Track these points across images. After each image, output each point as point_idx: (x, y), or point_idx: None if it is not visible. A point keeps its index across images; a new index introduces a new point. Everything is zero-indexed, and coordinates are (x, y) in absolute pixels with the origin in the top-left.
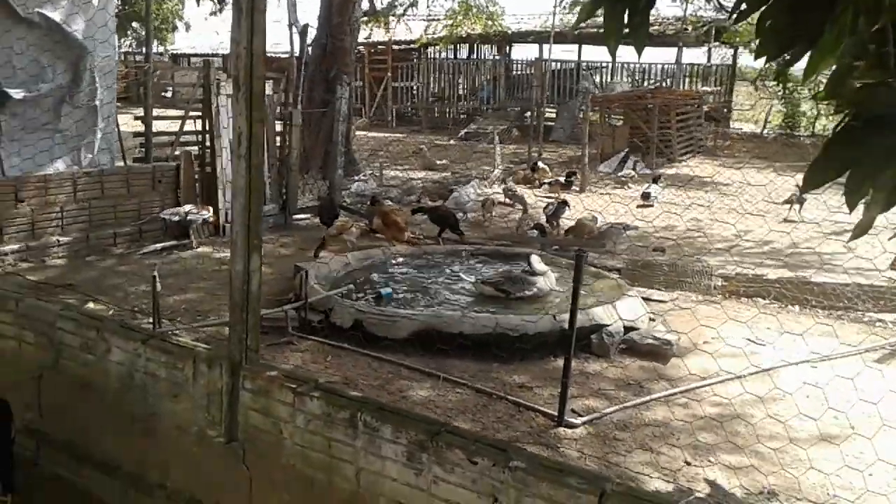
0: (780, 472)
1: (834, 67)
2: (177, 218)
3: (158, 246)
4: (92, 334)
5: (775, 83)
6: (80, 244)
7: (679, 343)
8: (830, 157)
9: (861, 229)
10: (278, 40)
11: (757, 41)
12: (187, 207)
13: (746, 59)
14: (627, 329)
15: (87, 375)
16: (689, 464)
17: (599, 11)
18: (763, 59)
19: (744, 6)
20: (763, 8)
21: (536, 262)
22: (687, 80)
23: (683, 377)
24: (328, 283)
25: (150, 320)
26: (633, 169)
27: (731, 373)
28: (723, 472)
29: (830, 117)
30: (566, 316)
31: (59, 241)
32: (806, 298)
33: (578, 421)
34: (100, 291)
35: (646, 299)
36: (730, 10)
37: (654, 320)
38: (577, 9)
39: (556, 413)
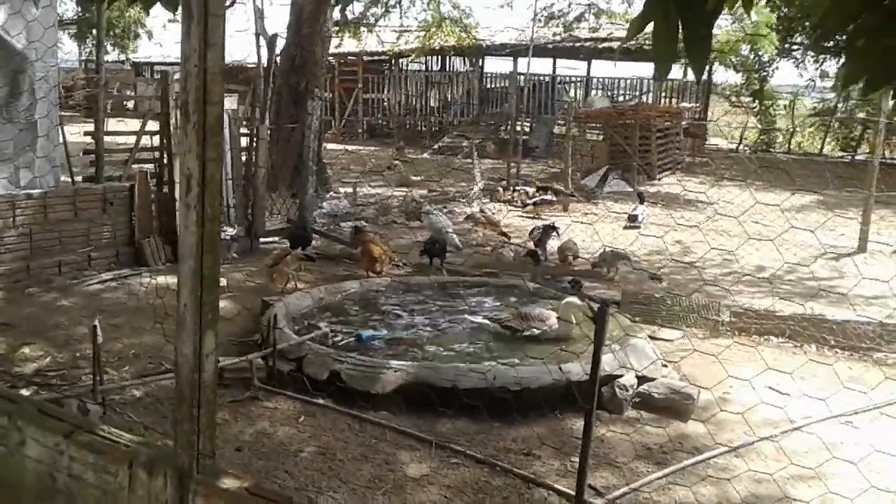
0: None
1: None
2: None
3: (108, 275)
4: (3, 421)
5: (751, 99)
6: (20, 274)
7: (698, 395)
8: None
9: None
10: (245, 51)
11: (843, 64)
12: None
13: (721, 75)
14: (640, 379)
15: None
16: None
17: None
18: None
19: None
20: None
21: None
22: (663, 95)
23: (708, 441)
24: (299, 323)
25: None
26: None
27: (760, 433)
28: None
29: (806, 135)
30: (571, 366)
31: None
32: (824, 337)
33: (598, 502)
34: (38, 332)
35: (651, 337)
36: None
37: (666, 366)
38: (552, 22)
39: (572, 492)
